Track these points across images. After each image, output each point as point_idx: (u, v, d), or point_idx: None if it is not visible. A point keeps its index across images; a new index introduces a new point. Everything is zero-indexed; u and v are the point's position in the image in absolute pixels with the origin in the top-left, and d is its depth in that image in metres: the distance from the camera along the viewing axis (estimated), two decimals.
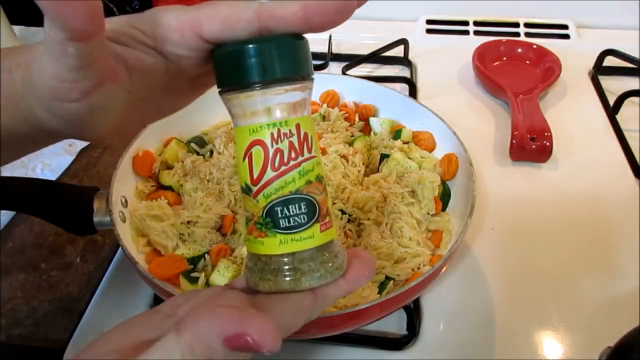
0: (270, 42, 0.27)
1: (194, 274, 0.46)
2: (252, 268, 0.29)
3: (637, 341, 0.35)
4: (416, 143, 0.59)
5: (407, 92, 0.75)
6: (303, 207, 0.28)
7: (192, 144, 0.58)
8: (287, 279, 0.28)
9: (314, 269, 0.28)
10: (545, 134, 0.64)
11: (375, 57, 0.81)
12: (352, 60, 0.79)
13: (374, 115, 0.63)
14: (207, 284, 0.46)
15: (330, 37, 0.83)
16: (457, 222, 0.51)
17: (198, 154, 0.58)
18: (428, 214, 0.52)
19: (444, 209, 0.53)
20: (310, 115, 0.30)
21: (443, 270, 0.45)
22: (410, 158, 0.56)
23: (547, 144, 0.63)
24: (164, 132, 0.58)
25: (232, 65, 0.28)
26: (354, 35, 0.90)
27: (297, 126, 0.28)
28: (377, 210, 0.50)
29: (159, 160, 0.56)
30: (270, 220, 0.28)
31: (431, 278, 0.43)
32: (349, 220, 0.50)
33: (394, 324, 0.48)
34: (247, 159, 0.28)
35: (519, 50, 0.82)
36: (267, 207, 0.28)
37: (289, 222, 0.28)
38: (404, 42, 0.83)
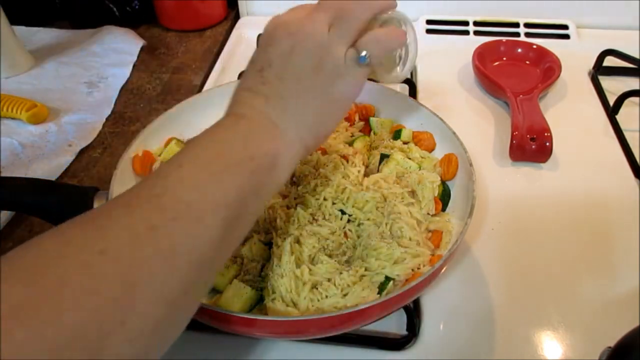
0: None
1: None
2: None
3: (637, 341, 0.35)
4: (416, 143, 0.59)
5: (407, 92, 0.75)
6: None
7: None
8: None
9: None
10: (545, 134, 0.64)
11: None
12: None
13: (374, 115, 0.63)
14: None
15: None
16: (457, 222, 0.51)
17: None
18: (428, 214, 0.52)
19: (444, 209, 0.53)
20: None
21: (443, 270, 0.45)
22: (410, 158, 0.56)
23: (547, 144, 0.63)
24: (164, 132, 0.58)
25: None
26: None
27: None
28: (377, 211, 0.50)
29: (159, 161, 0.56)
30: None
31: (431, 278, 0.43)
32: (348, 221, 0.50)
33: (394, 324, 0.48)
34: None
35: (519, 50, 0.82)
36: None
37: None
38: None
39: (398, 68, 0.47)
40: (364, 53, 0.40)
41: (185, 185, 0.31)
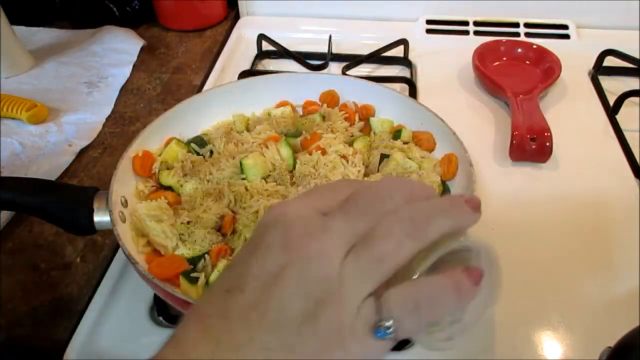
0: None
1: (194, 274, 0.46)
2: None
3: (637, 341, 0.35)
4: (416, 143, 0.59)
5: (407, 92, 0.75)
6: None
7: (192, 144, 0.58)
8: None
9: None
10: (545, 134, 0.64)
11: (375, 57, 0.81)
12: (352, 60, 0.79)
13: (374, 115, 0.63)
14: (207, 284, 0.46)
15: (330, 37, 0.83)
16: None
17: (198, 154, 0.58)
18: None
19: None
20: None
21: None
22: (410, 158, 0.56)
23: (547, 144, 0.63)
24: (164, 132, 0.58)
25: None
26: (354, 35, 0.90)
27: None
28: None
29: (159, 160, 0.56)
30: None
31: None
32: None
33: None
34: None
35: (519, 50, 0.82)
36: None
37: None
38: (404, 42, 0.83)
39: (446, 332, 0.29)
40: (388, 323, 0.25)
41: None
